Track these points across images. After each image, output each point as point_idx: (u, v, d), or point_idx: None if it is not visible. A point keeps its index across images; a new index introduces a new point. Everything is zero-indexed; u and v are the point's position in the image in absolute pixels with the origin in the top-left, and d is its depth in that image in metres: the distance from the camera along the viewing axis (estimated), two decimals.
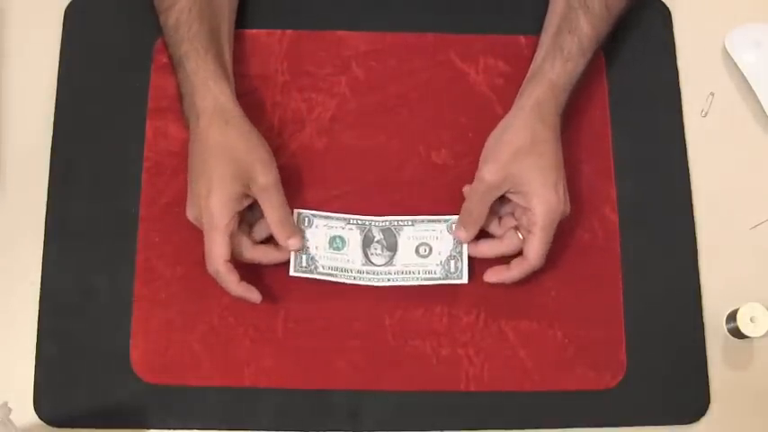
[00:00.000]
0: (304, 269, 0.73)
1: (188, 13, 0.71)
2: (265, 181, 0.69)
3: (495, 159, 0.70)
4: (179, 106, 0.73)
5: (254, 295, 0.70)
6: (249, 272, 0.72)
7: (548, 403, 0.73)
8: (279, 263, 0.72)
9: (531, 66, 0.75)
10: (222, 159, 0.69)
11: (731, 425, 0.74)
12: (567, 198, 0.70)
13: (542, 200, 0.69)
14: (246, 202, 0.70)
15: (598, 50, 0.74)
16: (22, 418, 0.68)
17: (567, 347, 0.73)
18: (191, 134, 0.71)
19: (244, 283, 0.69)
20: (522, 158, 0.69)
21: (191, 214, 0.70)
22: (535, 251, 0.69)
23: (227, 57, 0.75)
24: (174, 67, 0.72)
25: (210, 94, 0.70)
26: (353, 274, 0.73)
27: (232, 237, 0.69)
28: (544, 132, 0.70)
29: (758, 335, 0.72)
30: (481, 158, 0.71)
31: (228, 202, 0.68)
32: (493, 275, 0.72)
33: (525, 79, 0.74)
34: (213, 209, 0.68)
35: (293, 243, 0.71)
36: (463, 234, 0.72)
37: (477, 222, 0.71)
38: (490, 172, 0.69)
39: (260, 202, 0.70)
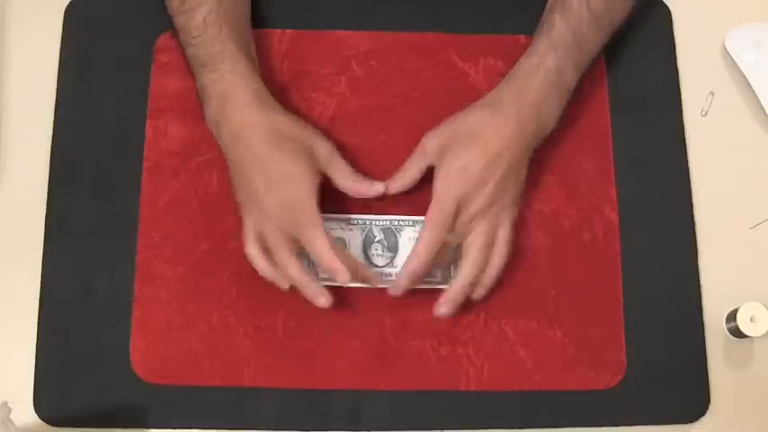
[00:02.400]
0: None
1: (216, 15, 0.70)
2: (326, 149, 0.69)
3: (439, 128, 0.71)
4: (201, 111, 0.72)
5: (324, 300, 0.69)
6: (248, 277, 0.72)
7: (548, 403, 0.73)
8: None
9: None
10: (277, 145, 0.68)
11: (731, 425, 0.74)
12: (487, 196, 0.69)
13: (442, 177, 0.69)
14: (318, 180, 0.69)
15: (600, 54, 0.74)
16: (22, 418, 0.68)
17: (567, 347, 0.73)
18: (226, 138, 0.70)
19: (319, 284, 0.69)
20: (456, 131, 0.70)
21: (251, 242, 0.69)
22: (422, 240, 0.68)
23: (253, 53, 0.74)
24: (194, 67, 0.71)
25: (250, 89, 0.70)
26: None
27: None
28: (485, 121, 0.70)
29: (758, 334, 0.72)
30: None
31: (312, 187, 0.68)
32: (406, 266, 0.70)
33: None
34: (297, 200, 0.67)
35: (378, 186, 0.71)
36: (378, 185, 0.71)
37: (403, 180, 0.72)
38: (430, 136, 0.71)
39: (329, 172, 0.70)
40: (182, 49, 0.72)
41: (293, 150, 0.69)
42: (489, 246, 0.70)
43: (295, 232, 0.68)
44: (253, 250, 0.69)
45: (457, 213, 0.69)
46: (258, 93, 0.70)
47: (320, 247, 0.67)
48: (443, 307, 0.70)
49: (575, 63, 0.72)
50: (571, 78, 0.72)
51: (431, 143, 0.71)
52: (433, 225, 0.68)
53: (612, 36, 0.75)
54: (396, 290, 0.70)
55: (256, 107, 0.69)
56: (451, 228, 0.69)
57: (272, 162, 0.68)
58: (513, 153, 0.70)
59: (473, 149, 0.69)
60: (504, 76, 0.75)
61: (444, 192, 0.69)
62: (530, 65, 0.72)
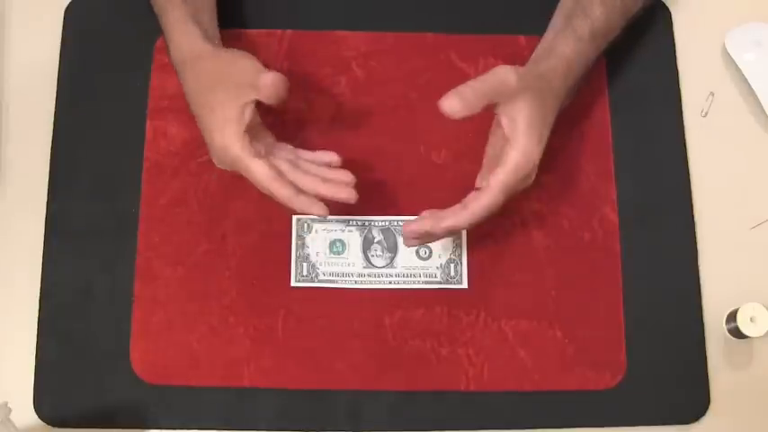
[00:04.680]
0: (305, 278, 0.73)
1: None
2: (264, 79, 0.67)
3: (517, 70, 0.67)
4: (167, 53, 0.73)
5: (317, 208, 0.67)
6: (250, 278, 0.72)
7: (548, 403, 0.73)
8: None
9: (540, 45, 0.73)
10: (207, 90, 0.68)
11: (731, 425, 0.74)
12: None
13: (524, 147, 0.66)
14: (249, 112, 0.67)
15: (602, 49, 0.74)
16: (22, 418, 0.68)
17: (567, 347, 0.73)
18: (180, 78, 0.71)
19: (303, 197, 0.67)
20: (533, 92, 0.67)
21: (217, 164, 0.69)
22: (498, 180, 0.65)
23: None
24: (157, 16, 0.73)
25: (187, 36, 0.70)
26: (354, 278, 0.73)
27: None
28: (548, 99, 0.69)
29: (758, 335, 0.72)
30: None
31: (229, 121, 0.67)
32: (445, 219, 0.66)
33: (532, 56, 0.73)
34: (218, 140, 0.67)
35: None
36: (447, 103, 0.65)
37: (469, 94, 0.65)
38: (511, 70, 0.66)
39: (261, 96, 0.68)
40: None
41: (220, 90, 0.68)
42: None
43: (236, 168, 0.68)
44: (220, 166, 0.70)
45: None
46: (192, 36, 0.70)
47: (258, 176, 0.66)
48: None
49: (600, 51, 0.74)
50: (593, 62, 0.74)
51: (511, 76, 0.66)
52: (503, 188, 0.66)
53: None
54: (417, 230, 0.67)
55: (190, 52, 0.70)
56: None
57: (202, 109, 0.69)
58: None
59: (543, 121, 0.67)
60: None
61: (525, 161, 0.66)
62: (575, 52, 0.71)
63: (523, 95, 0.66)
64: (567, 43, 0.71)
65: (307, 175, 0.69)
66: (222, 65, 0.69)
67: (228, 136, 0.67)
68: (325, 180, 0.69)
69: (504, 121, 0.67)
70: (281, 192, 0.67)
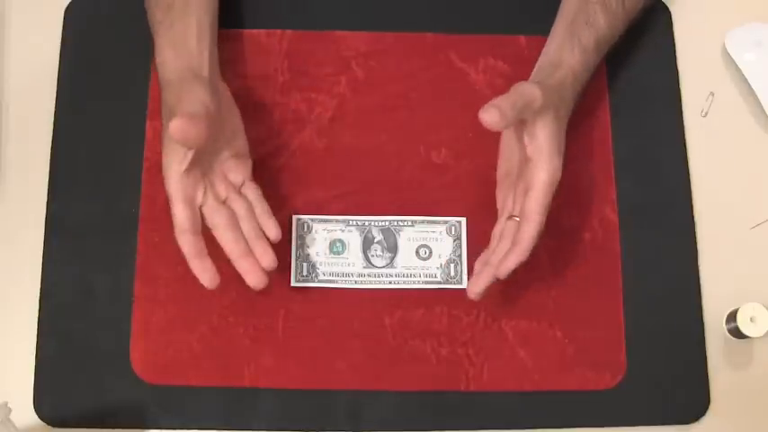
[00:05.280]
0: (305, 278, 0.73)
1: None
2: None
3: (539, 85, 0.67)
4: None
5: (207, 279, 0.67)
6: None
7: (548, 403, 0.73)
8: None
9: (544, 56, 0.73)
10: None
11: (731, 425, 0.74)
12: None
13: (550, 165, 0.66)
14: (190, 154, 0.66)
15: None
16: (22, 418, 0.68)
17: (567, 347, 0.74)
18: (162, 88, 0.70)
19: (201, 262, 0.67)
20: (554, 106, 0.67)
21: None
22: (537, 208, 0.66)
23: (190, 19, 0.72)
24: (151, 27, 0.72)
25: (176, 62, 0.69)
26: (354, 278, 0.73)
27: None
28: (561, 110, 0.69)
29: (758, 335, 0.72)
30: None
31: (176, 159, 0.66)
32: (504, 266, 0.67)
33: (537, 67, 0.73)
34: (165, 171, 0.66)
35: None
36: (488, 115, 0.64)
37: (506, 107, 0.64)
38: (535, 85, 0.66)
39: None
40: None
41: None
42: None
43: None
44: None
45: None
46: (181, 70, 0.69)
47: (175, 218, 0.66)
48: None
49: (602, 56, 0.74)
50: (594, 72, 0.74)
51: (537, 92, 0.66)
52: (542, 211, 0.67)
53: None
54: (483, 286, 0.69)
55: (172, 72, 0.69)
56: None
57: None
58: None
59: (560, 134, 0.68)
60: (503, 77, 0.74)
61: (553, 179, 0.67)
62: (582, 62, 0.71)
63: (545, 113, 0.67)
64: (573, 55, 0.71)
65: (231, 242, 0.68)
66: (177, 98, 0.67)
67: (167, 169, 0.66)
68: (246, 254, 0.68)
69: (527, 139, 0.67)
70: (183, 248, 0.66)
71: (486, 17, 0.81)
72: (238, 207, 0.69)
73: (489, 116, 0.63)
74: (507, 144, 0.72)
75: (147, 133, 0.77)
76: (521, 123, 0.67)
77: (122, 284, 0.73)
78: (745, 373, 0.75)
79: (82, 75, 0.78)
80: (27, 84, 0.79)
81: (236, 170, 0.70)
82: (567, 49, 0.71)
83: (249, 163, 0.72)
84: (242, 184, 0.71)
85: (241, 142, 0.72)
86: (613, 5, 0.73)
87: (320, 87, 0.79)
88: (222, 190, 0.69)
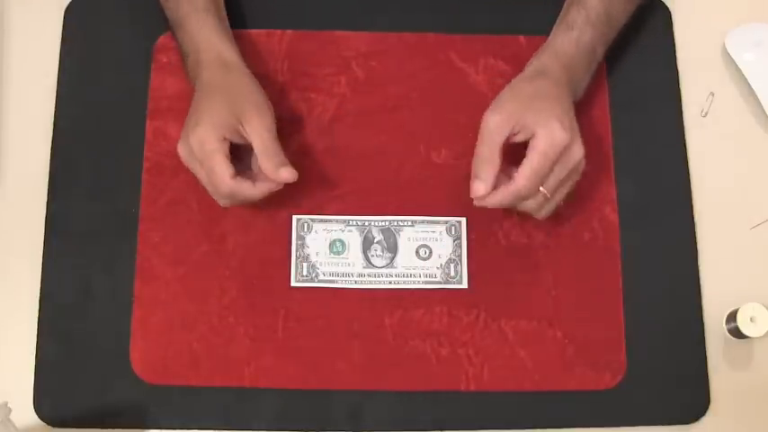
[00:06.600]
0: (305, 278, 0.73)
1: None
2: (260, 123, 0.68)
3: (497, 104, 0.69)
4: (183, 67, 0.74)
5: (286, 174, 0.68)
6: (249, 278, 0.72)
7: (548, 403, 0.73)
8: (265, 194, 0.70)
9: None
10: (217, 98, 0.69)
11: (731, 425, 0.74)
12: (577, 135, 0.68)
13: (545, 128, 0.66)
14: (236, 137, 0.68)
15: (609, 40, 0.75)
16: (22, 418, 0.68)
17: (567, 347, 0.73)
18: (195, 89, 0.71)
19: (261, 182, 0.68)
20: (524, 101, 0.69)
21: (182, 150, 0.69)
22: (524, 173, 0.66)
23: (223, 14, 0.76)
24: (173, 29, 0.74)
25: (214, 48, 0.71)
26: (354, 278, 0.73)
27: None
28: (547, 87, 0.70)
29: (758, 335, 0.72)
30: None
31: (217, 127, 0.67)
32: (477, 193, 0.68)
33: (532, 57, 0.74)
34: (201, 133, 0.67)
35: (286, 173, 0.68)
36: (477, 184, 0.67)
37: (489, 165, 0.67)
38: (492, 112, 0.68)
39: (253, 141, 0.68)
40: (163, 13, 0.75)
41: (219, 104, 0.69)
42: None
43: (203, 159, 0.68)
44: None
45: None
46: (221, 53, 0.72)
47: (219, 174, 0.67)
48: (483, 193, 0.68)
49: (605, 39, 0.74)
50: (601, 52, 0.74)
51: (493, 117, 0.68)
52: (542, 158, 0.67)
53: (618, 35, 0.76)
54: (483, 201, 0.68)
55: (213, 68, 0.71)
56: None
57: (201, 108, 0.69)
58: None
59: (554, 110, 0.68)
60: (503, 77, 0.74)
61: (557, 130, 0.67)
62: (569, 39, 0.72)
63: (525, 112, 0.68)
64: (555, 36, 0.73)
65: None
66: (245, 90, 0.70)
67: (211, 127, 0.67)
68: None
69: (519, 138, 0.68)
70: (244, 187, 0.68)
71: (486, 17, 0.81)
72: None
73: (474, 192, 0.67)
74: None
75: (147, 133, 0.77)
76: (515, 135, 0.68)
77: (122, 284, 0.73)
78: (745, 373, 0.75)
79: (82, 75, 0.78)
80: (27, 84, 0.79)
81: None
82: (553, 33, 0.74)
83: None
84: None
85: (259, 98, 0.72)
86: None
87: (320, 87, 0.79)
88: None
